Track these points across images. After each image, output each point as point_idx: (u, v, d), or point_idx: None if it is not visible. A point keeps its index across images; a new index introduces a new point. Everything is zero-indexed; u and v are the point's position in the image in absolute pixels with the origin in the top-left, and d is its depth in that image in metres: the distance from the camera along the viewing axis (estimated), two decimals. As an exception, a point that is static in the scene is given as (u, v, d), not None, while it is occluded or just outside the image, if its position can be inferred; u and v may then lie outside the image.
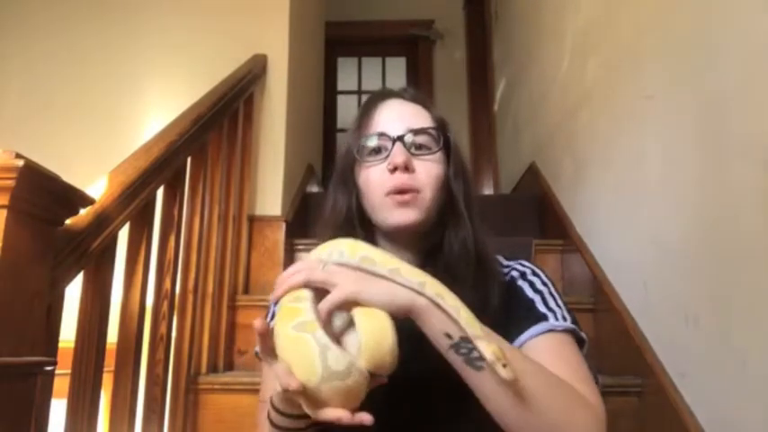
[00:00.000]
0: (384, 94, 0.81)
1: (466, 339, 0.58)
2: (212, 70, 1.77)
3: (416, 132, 0.76)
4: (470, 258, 0.74)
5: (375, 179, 0.75)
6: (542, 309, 0.73)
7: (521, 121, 2.81)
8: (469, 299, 0.61)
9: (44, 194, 0.77)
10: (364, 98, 0.94)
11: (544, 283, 0.77)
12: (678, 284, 1.22)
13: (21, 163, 0.69)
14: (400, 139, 0.75)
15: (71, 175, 0.82)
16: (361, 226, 0.78)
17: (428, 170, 0.75)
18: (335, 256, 0.63)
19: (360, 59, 4.43)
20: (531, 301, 0.74)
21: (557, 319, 0.72)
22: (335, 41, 3.85)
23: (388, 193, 0.74)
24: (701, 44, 1.14)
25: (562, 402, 0.60)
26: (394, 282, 0.60)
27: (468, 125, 4.04)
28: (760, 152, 0.95)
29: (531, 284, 0.77)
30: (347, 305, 0.59)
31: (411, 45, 4.35)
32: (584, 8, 1.85)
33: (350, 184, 0.79)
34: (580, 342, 0.72)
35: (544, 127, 2.34)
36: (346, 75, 4.35)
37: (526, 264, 0.80)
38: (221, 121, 1.65)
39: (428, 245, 0.77)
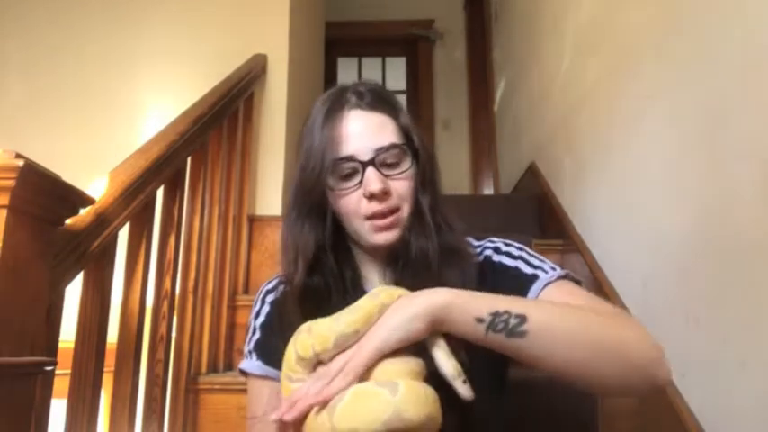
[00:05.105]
0: (343, 105, 0.75)
1: (496, 313, 0.58)
2: (212, 70, 1.78)
3: (385, 150, 0.73)
4: (429, 263, 0.72)
5: (352, 207, 0.73)
6: (529, 270, 0.74)
7: (521, 121, 2.81)
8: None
9: (44, 194, 0.77)
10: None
11: (519, 248, 0.78)
12: (678, 284, 1.22)
13: (21, 163, 0.69)
14: (371, 163, 0.72)
15: (71, 175, 0.82)
16: (333, 249, 0.76)
17: (403, 188, 0.74)
18: (319, 347, 0.60)
19: (360, 59, 4.43)
20: (516, 269, 0.75)
21: (546, 272, 0.73)
22: (335, 41, 3.85)
23: (368, 218, 0.73)
24: (701, 44, 1.14)
25: (606, 327, 0.61)
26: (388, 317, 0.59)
27: (468, 125, 4.04)
28: (760, 152, 0.95)
29: (508, 254, 0.77)
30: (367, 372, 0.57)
31: (411, 45, 4.35)
32: (584, 8, 1.85)
33: (320, 208, 0.75)
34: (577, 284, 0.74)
35: (544, 127, 2.34)
36: (346, 75, 4.35)
37: (495, 239, 0.81)
38: (221, 120, 1.65)
39: (396, 251, 0.76)
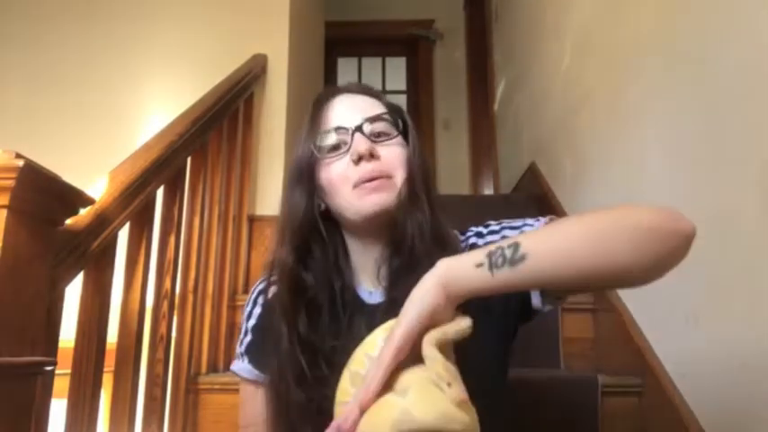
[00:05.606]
0: (331, 92, 0.79)
1: (490, 252, 0.57)
2: (212, 70, 1.77)
3: (373, 120, 0.74)
4: (425, 240, 0.71)
5: (339, 173, 0.73)
6: (515, 232, 0.74)
7: (521, 120, 2.81)
8: None
9: (44, 194, 0.77)
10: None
11: (498, 222, 0.78)
12: (678, 284, 1.21)
13: (21, 163, 0.69)
14: (359, 129, 0.73)
15: (71, 175, 0.82)
16: (324, 226, 0.75)
17: (393, 153, 0.74)
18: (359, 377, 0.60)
19: (360, 59, 4.43)
20: (503, 239, 0.73)
21: (531, 225, 0.74)
22: (335, 41, 3.85)
23: (357, 185, 0.72)
24: (701, 43, 1.14)
25: (601, 213, 0.58)
26: (405, 315, 0.57)
27: (468, 125, 4.05)
28: (761, 152, 0.95)
29: (491, 232, 0.78)
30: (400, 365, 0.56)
31: (411, 45, 4.35)
32: (584, 8, 1.85)
33: (308, 185, 0.75)
34: None
35: (544, 127, 2.34)
36: (346, 75, 4.35)
37: (473, 227, 0.81)
38: (221, 121, 1.65)
39: (393, 234, 0.74)
